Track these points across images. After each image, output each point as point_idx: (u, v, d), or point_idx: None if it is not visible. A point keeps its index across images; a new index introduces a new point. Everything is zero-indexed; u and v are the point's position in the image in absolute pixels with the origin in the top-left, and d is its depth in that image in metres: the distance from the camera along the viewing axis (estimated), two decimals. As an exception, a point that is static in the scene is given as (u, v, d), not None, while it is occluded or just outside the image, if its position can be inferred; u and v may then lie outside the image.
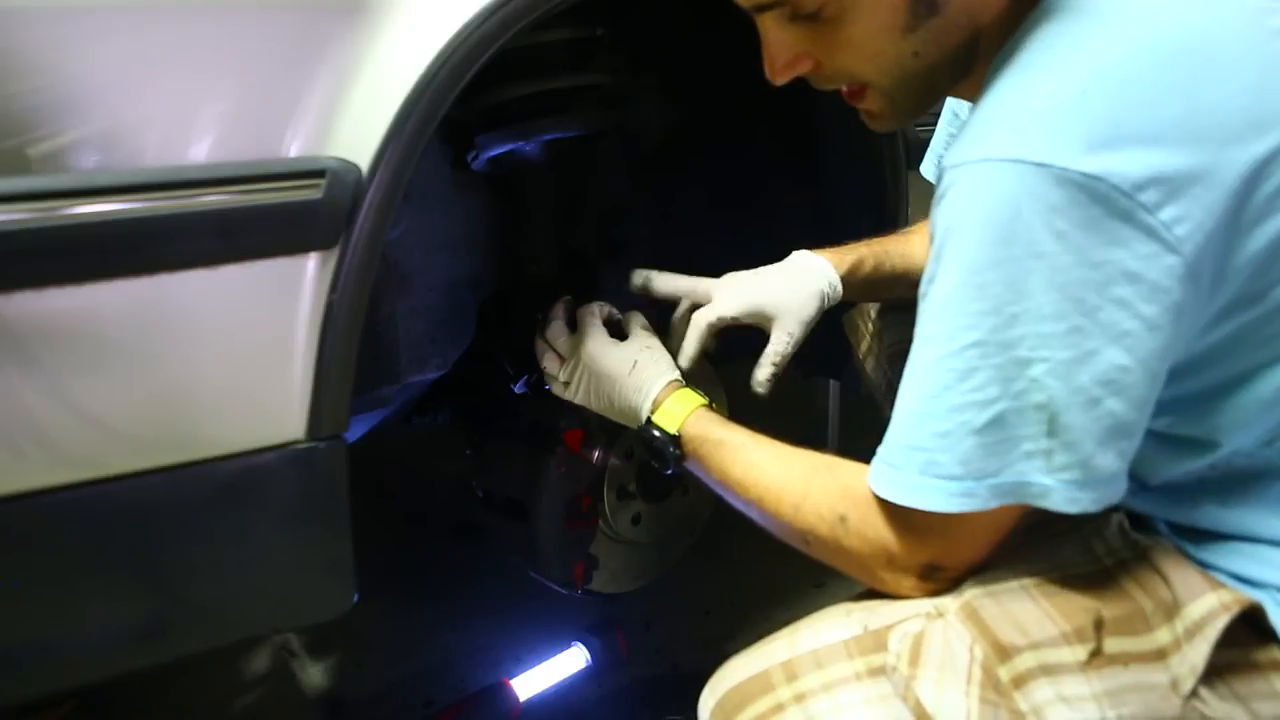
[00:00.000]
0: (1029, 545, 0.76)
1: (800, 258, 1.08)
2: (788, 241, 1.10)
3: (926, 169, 1.19)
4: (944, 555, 0.73)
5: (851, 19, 0.72)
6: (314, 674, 1.51)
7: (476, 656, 1.55)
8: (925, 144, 1.27)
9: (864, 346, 1.29)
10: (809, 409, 2.08)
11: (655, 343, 1.07)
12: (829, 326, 1.35)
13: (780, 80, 0.79)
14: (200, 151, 0.72)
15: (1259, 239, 0.64)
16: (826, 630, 0.75)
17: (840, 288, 1.06)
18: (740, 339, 1.15)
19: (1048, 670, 0.67)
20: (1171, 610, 0.69)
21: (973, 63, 0.75)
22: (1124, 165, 0.61)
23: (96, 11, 0.68)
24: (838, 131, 1.29)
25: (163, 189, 0.69)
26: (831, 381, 1.98)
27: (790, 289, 1.04)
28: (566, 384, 1.07)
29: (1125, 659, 0.67)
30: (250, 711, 1.42)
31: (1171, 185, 0.61)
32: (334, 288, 0.76)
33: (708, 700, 0.76)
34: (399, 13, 0.78)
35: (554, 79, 1.14)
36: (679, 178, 1.47)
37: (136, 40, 0.69)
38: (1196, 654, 0.67)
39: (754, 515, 0.85)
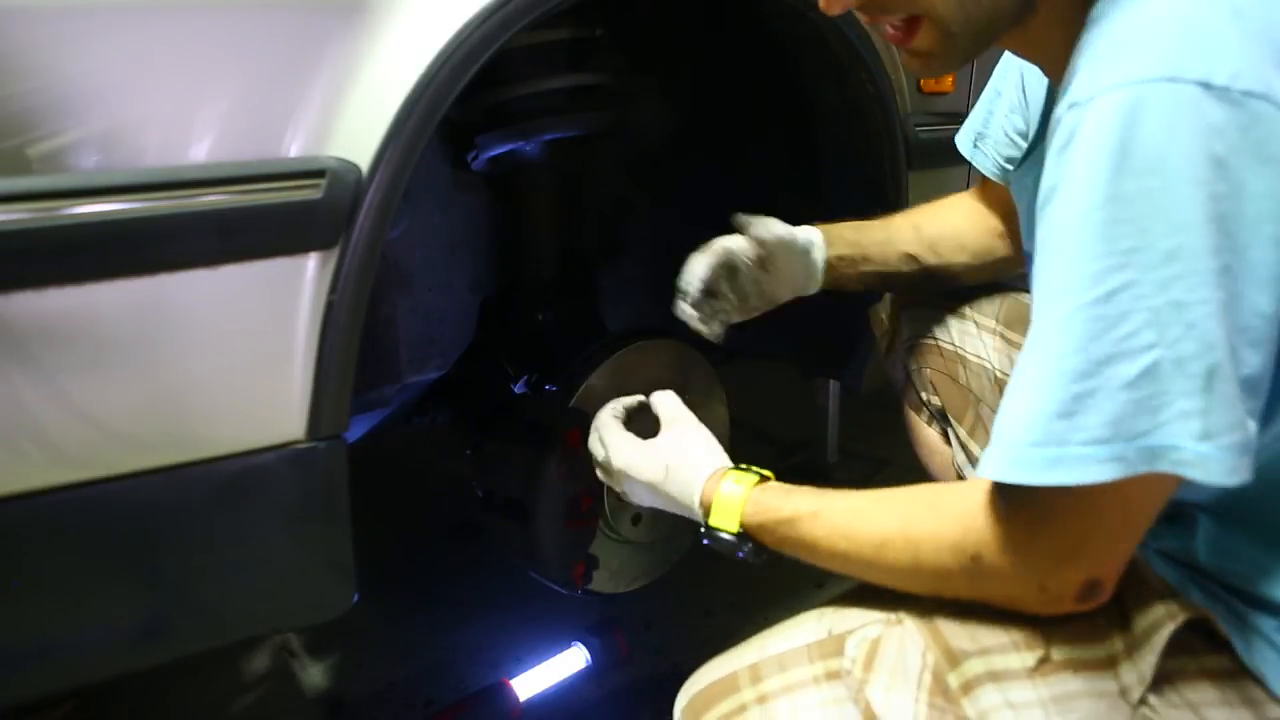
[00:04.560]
0: None
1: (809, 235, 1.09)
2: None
3: (963, 144, 1.09)
4: (1096, 563, 0.64)
5: None
6: (314, 674, 1.51)
7: (476, 656, 1.55)
8: (926, 144, 1.27)
9: (884, 342, 1.28)
10: (809, 409, 2.08)
11: (684, 425, 0.98)
12: (830, 325, 1.35)
13: (836, 10, 0.71)
14: (200, 151, 0.72)
15: None
16: (796, 634, 0.75)
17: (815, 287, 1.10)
18: (748, 338, 1.15)
19: (995, 676, 0.67)
20: (1122, 619, 0.69)
21: (1038, 3, 0.70)
22: None
23: (96, 11, 0.68)
24: (838, 131, 1.29)
25: (163, 189, 0.69)
26: (831, 381, 1.98)
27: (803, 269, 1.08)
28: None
29: (1074, 665, 0.67)
30: (250, 711, 1.42)
31: None
32: (334, 288, 0.77)
33: (680, 700, 0.77)
34: (399, 13, 0.78)
35: (554, 79, 1.14)
36: (679, 177, 1.47)
37: (136, 40, 0.69)
38: (1145, 663, 0.66)
39: (875, 579, 0.75)
